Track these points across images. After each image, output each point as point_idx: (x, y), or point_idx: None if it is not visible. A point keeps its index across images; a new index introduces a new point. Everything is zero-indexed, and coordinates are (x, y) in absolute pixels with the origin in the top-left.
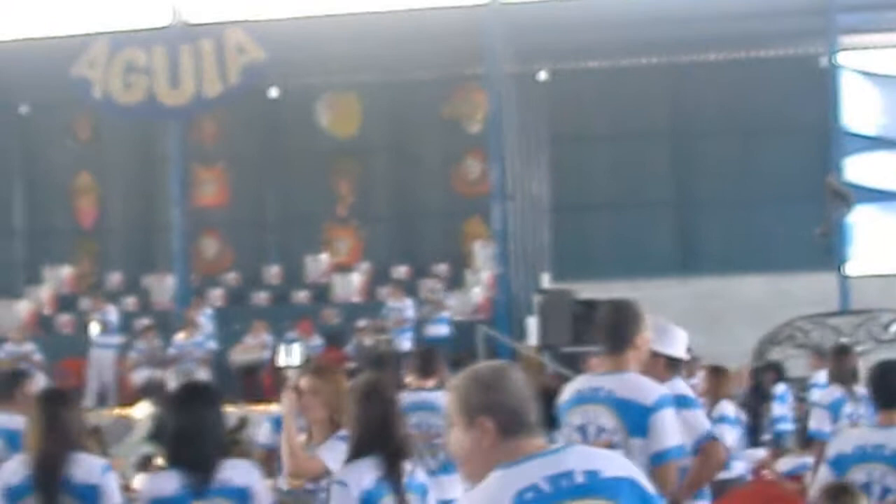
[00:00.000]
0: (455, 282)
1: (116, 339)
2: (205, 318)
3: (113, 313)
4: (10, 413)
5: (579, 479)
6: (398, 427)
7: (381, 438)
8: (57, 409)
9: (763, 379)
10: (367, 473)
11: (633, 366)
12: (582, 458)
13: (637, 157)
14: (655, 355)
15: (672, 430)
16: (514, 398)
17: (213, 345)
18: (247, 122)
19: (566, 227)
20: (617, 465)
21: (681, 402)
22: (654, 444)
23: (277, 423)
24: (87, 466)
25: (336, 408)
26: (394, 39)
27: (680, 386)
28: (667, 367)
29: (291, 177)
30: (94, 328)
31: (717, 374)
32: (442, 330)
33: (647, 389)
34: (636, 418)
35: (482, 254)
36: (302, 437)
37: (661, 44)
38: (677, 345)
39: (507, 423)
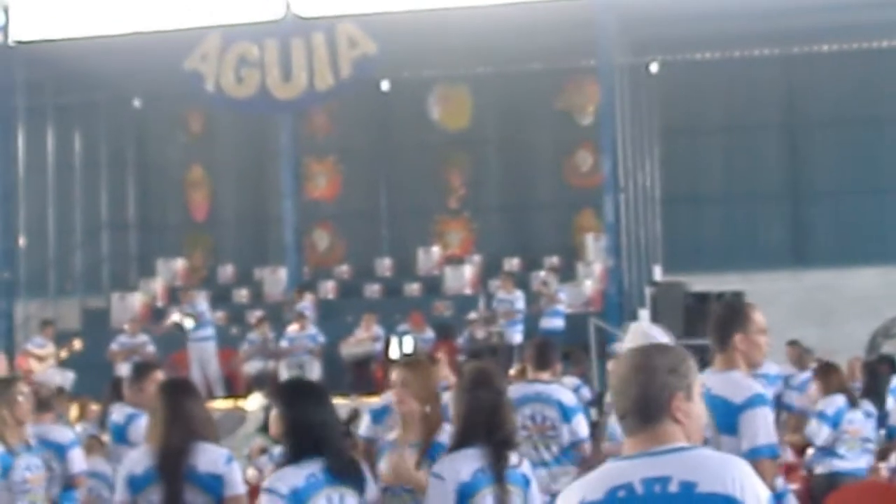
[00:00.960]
0: (566, 274)
1: (211, 331)
2: (306, 311)
3: (203, 303)
4: (139, 405)
5: (673, 487)
6: (505, 417)
7: (487, 428)
8: (180, 399)
9: (877, 372)
10: (465, 466)
11: (740, 364)
12: (684, 467)
13: (749, 148)
14: None
15: (763, 429)
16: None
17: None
18: (358, 114)
19: (678, 219)
20: (719, 479)
21: None
22: (744, 443)
23: (377, 415)
24: (210, 456)
25: (427, 401)
26: (505, 31)
27: None
28: None
29: (403, 169)
30: (188, 322)
31: (827, 369)
32: (556, 323)
33: (739, 388)
34: (725, 416)
35: (594, 246)
36: (395, 433)
37: (774, 35)
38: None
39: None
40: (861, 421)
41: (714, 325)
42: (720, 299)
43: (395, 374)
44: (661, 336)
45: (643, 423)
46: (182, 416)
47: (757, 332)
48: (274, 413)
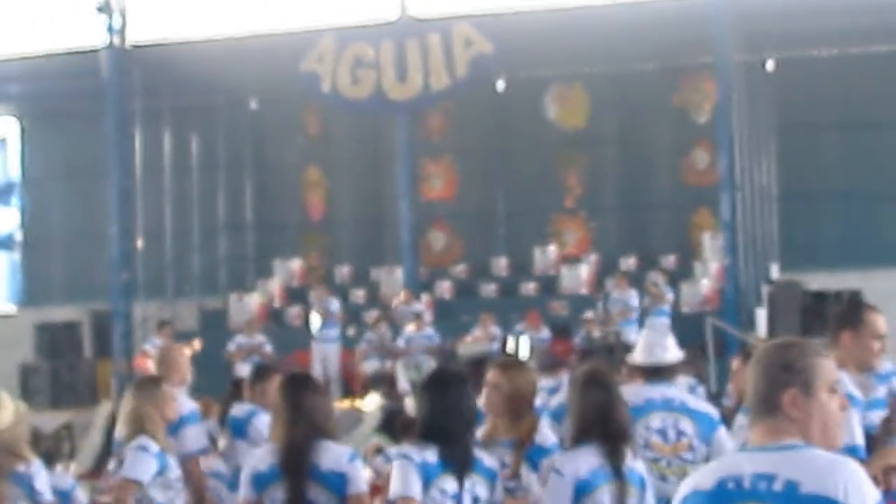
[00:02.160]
0: (683, 273)
1: (337, 332)
2: (413, 311)
3: (335, 304)
4: (260, 404)
5: (778, 486)
6: (618, 414)
7: (601, 425)
8: (302, 395)
9: None
10: (584, 462)
11: (849, 365)
12: (791, 465)
13: (867, 145)
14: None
15: (851, 430)
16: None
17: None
18: (474, 114)
19: (795, 217)
20: (824, 480)
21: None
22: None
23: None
24: (334, 454)
25: (517, 406)
26: (620, 30)
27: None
28: (644, 375)
29: (519, 169)
30: (316, 319)
31: None
32: (662, 322)
33: None
34: None
35: (711, 245)
36: (483, 430)
37: (892, 30)
38: (651, 354)
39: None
40: None
41: (831, 321)
42: (838, 298)
43: (489, 375)
44: (673, 348)
45: (759, 418)
46: (305, 413)
47: (869, 336)
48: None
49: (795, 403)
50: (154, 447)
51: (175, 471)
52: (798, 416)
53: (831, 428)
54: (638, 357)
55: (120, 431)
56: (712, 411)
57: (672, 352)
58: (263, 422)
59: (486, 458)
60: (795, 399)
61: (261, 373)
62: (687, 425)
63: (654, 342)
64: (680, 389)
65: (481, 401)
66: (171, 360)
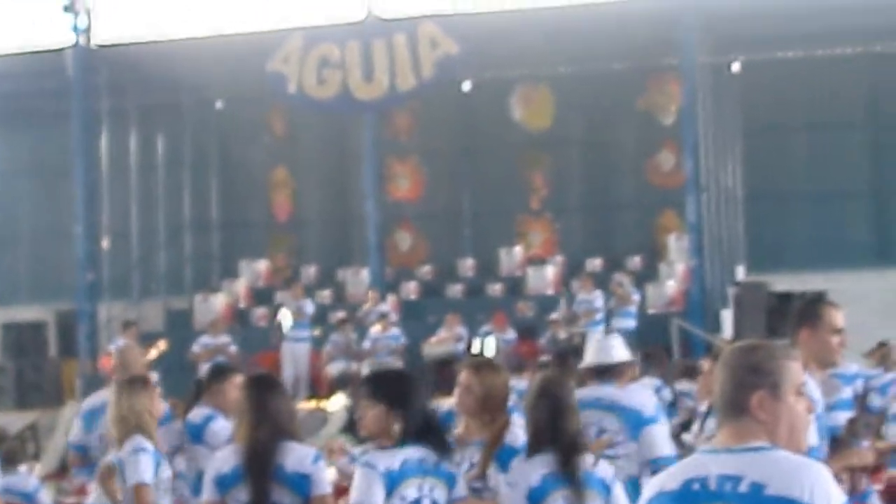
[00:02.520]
0: (649, 274)
1: (307, 332)
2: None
3: (310, 306)
4: (217, 407)
5: (743, 487)
6: (568, 423)
7: (553, 435)
8: (266, 396)
9: None
10: (534, 471)
11: (810, 363)
12: (757, 467)
13: (833, 147)
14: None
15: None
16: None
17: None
18: (440, 115)
19: (761, 218)
20: (790, 482)
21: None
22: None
23: (447, 417)
24: (298, 455)
25: (489, 406)
26: (587, 31)
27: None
28: (593, 375)
29: (485, 169)
30: (287, 318)
31: None
32: (628, 323)
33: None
34: None
35: (676, 246)
36: (457, 430)
37: (857, 32)
38: (595, 356)
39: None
40: None
41: (789, 321)
42: (803, 299)
43: (461, 376)
44: (619, 349)
45: (726, 420)
46: (269, 414)
47: (827, 331)
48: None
49: (763, 406)
50: (150, 446)
51: (167, 470)
52: (765, 418)
53: (798, 430)
54: (585, 359)
55: (110, 432)
56: (646, 409)
57: (617, 352)
58: (220, 426)
59: (447, 462)
60: (763, 401)
61: (218, 373)
62: (610, 422)
63: (600, 345)
64: (622, 388)
65: (452, 401)
66: (128, 361)
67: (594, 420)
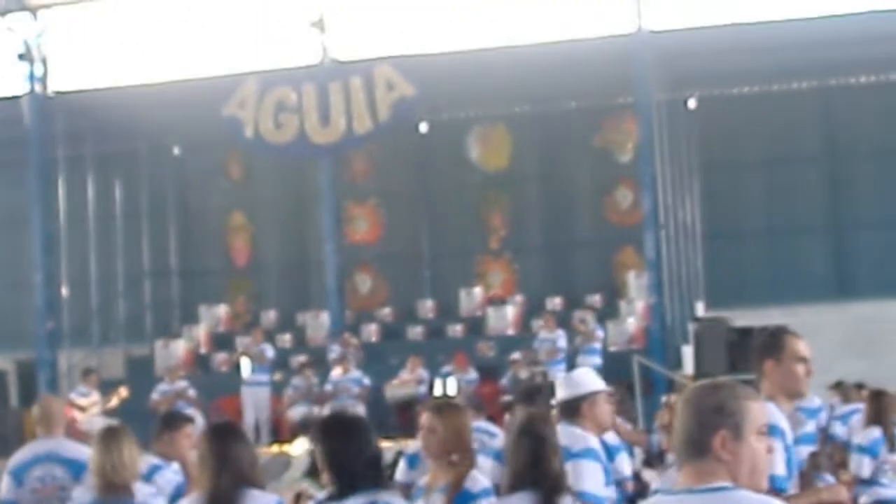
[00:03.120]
0: (609, 312)
1: (267, 376)
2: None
3: (271, 351)
4: (166, 457)
5: None
6: (550, 463)
7: (535, 474)
8: (227, 443)
9: None
10: None
11: (777, 395)
12: None
13: (790, 181)
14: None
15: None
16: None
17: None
18: (397, 157)
19: (719, 254)
20: None
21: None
22: None
23: (412, 459)
24: (259, 502)
25: (454, 448)
26: (542, 70)
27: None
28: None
29: (443, 210)
30: (246, 364)
31: (878, 397)
32: (594, 360)
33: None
34: None
35: (636, 283)
36: (424, 478)
37: (812, 67)
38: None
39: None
40: None
41: (752, 354)
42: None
43: (423, 419)
44: (593, 384)
45: (688, 459)
46: (230, 461)
47: (792, 360)
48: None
49: (725, 446)
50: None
51: None
52: (727, 458)
53: (759, 470)
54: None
55: (93, 484)
56: (576, 444)
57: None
58: (166, 479)
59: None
60: (725, 441)
61: (170, 422)
62: None
63: (567, 380)
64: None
65: (415, 444)
66: (51, 413)
67: None
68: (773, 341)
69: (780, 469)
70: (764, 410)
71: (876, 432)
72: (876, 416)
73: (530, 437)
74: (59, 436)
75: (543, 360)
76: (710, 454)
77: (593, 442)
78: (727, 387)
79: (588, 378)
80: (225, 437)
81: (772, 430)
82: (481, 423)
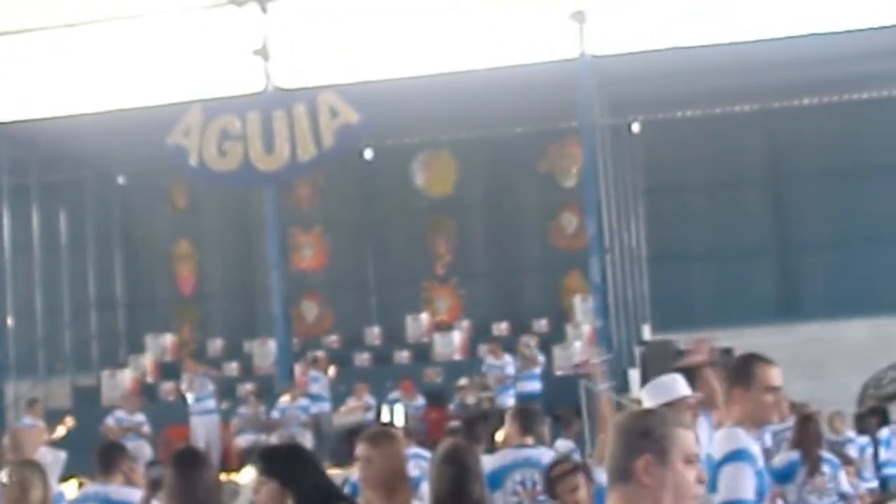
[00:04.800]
0: (556, 336)
1: (214, 404)
2: (314, 382)
3: (209, 380)
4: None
5: None
6: (471, 492)
7: (456, 501)
8: (189, 470)
9: (867, 424)
10: None
11: (745, 422)
12: None
13: (734, 204)
14: None
15: (728, 484)
16: None
17: (326, 406)
18: (342, 184)
19: (665, 277)
20: None
21: None
22: (717, 498)
23: (355, 488)
24: None
25: (391, 478)
26: (486, 96)
27: None
28: None
29: (389, 237)
30: (189, 395)
31: (806, 423)
32: (534, 386)
33: (722, 443)
34: (711, 473)
35: (582, 307)
36: None
37: (755, 90)
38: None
39: None
40: (829, 473)
41: (723, 380)
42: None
43: (358, 449)
44: (679, 389)
45: (613, 485)
46: (191, 488)
47: (761, 390)
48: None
49: (648, 470)
50: None
51: None
52: (650, 483)
53: (685, 498)
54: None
55: None
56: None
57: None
58: None
59: None
60: (648, 466)
61: (114, 451)
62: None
63: (652, 388)
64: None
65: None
66: (20, 443)
67: (527, 476)
68: (743, 369)
69: (748, 494)
70: (694, 439)
71: (794, 455)
72: (800, 441)
73: (454, 465)
74: None
75: (492, 386)
76: (634, 479)
77: None
78: (657, 413)
79: (674, 384)
80: (186, 465)
81: (741, 455)
82: (423, 451)
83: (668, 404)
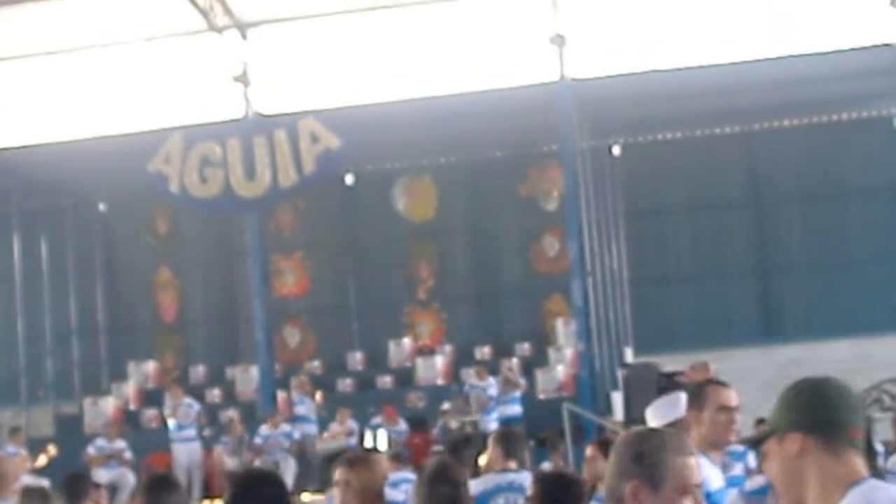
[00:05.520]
0: (538, 360)
1: (195, 432)
2: (300, 404)
3: (195, 406)
4: None
5: None
6: None
7: None
8: (162, 497)
9: None
10: None
11: (703, 444)
12: None
13: (715, 226)
14: None
15: None
16: None
17: (313, 428)
18: (324, 209)
19: (647, 300)
20: None
21: None
22: None
23: None
24: None
25: (370, 499)
26: (467, 120)
27: None
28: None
29: (370, 262)
30: (171, 422)
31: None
32: (514, 409)
33: None
34: None
35: (564, 331)
36: None
37: (734, 112)
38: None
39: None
40: None
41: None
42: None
43: (337, 474)
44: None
45: None
46: None
47: (714, 410)
48: None
49: (636, 496)
50: None
51: None
52: None
53: None
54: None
55: None
56: None
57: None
58: None
59: None
60: (638, 492)
61: (82, 480)
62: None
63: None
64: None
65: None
66: (2, 473)
67: (510, 500)
68: (695, 391)
69: None
70: (696, 469)
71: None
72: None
73: (447, 483)
74: (9, 497)
75: (474, 409)
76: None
77: None
78: (657, 437)
79: (679, 403)
80: (160, 491)
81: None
82: (408, 474)
83: (673, 424)
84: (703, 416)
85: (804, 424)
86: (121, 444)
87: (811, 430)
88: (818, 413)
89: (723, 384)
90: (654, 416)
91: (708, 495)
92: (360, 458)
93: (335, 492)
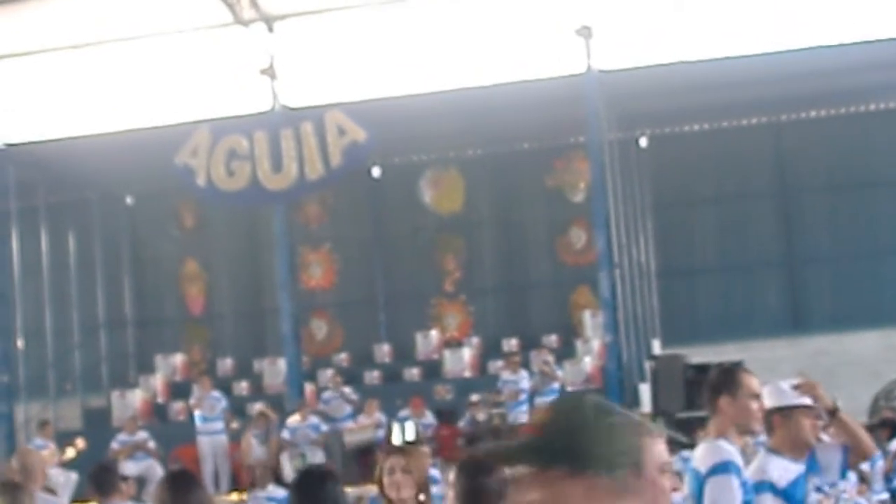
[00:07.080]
0: (566, 352)
1: (222, 425)
2: (328, 397)
3: (222, 400)
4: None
5: None
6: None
7: None
8: (182, 492)
9: (877, 436)
10: None
11: (730, 431)
12: None
13: (742, 217)
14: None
15: (715, 498)
16: None
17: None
18: (351, 202)
19: (674, 291)
20: None
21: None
22: None
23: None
24: None
25: (423, 487)
26: (494, 112)
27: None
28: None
29: (398, 254)
30: (198, 414)
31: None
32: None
33: (708, 456)
34: (696, 486)
35: (591, 323)
36: None
37: (762, 103)
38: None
39: None
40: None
41: (705, 390)
42: None
43: (391, 461)
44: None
45: None
46: None
47: (747, 397)
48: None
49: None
50: None
51: None
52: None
53: None
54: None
55: None
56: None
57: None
58: None
59: None
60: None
61: (101, 485)
62: None
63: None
64: None
65: (378, 487)
66: (28, 464)
67: None
68: (729, 378)
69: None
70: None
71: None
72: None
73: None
74: (36, 489)
75: (506, 401)
76: None
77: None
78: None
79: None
80: (181, 487)
81: (727, 467)
82: (435, 471)
83: (788, 408)
84: (736, 402)
85: None
86: (142, 434)
87: None
88: None
89: (750, 371)
90: (771, 398)
91: (744, 484)
92: (416, 448)
93: (386, 480)
